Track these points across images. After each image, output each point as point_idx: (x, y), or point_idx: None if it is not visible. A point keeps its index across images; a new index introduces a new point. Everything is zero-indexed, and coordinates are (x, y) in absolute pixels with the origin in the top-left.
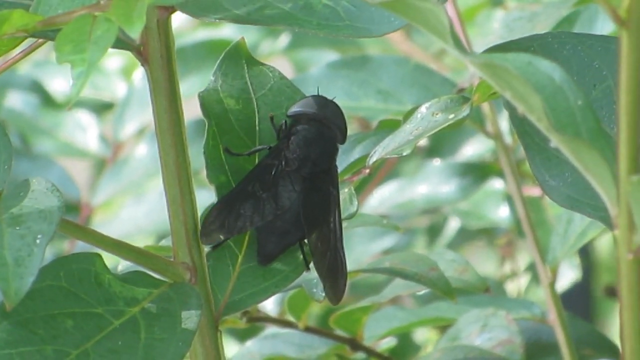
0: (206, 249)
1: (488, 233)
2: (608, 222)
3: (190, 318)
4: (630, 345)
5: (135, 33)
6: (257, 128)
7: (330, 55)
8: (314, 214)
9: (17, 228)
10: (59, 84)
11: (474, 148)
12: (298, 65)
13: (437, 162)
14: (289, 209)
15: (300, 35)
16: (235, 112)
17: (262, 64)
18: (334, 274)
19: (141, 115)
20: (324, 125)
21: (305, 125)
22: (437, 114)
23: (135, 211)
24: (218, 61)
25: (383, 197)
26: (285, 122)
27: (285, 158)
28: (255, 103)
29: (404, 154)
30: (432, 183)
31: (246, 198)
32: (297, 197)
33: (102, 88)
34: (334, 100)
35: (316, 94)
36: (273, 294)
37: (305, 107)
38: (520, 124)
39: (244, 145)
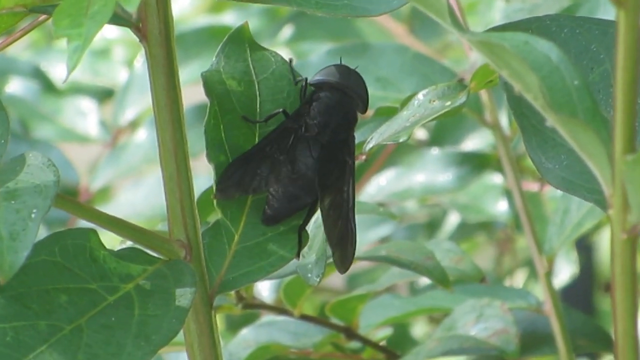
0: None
1: (487, 228)
2: (602, 205)
3: (184, 295)
4: (622, 325)
5: (132, 7)
6: (258, 110)
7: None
8: (329, 181)
9: (13, 202)
10: (60, 70)
11: (474, 142)
12: (300, 57)
13: (435, 151)
14: (303, 174)
15: (302, 28)
16: (237, 94)
17: (265, 49)
18: (344, 242)
19: (141, 101)
20: (345, 93)
21: (327, 93)
22: (434, 101)
23: (134, 195)
24: (221, 44)
25: (380, 185)
26: (304, 87)
27: (306, 123)
28: (257, 86)
29: (401, 140)
30: (429, 172)
31: (263, 159)
32: (313, 163)
33: (104, 74)
34: (357, 70)
35: (339, 63)
36: (268, 274)
37: (328, 76)
38: (517, 106)
39: (244, 126)
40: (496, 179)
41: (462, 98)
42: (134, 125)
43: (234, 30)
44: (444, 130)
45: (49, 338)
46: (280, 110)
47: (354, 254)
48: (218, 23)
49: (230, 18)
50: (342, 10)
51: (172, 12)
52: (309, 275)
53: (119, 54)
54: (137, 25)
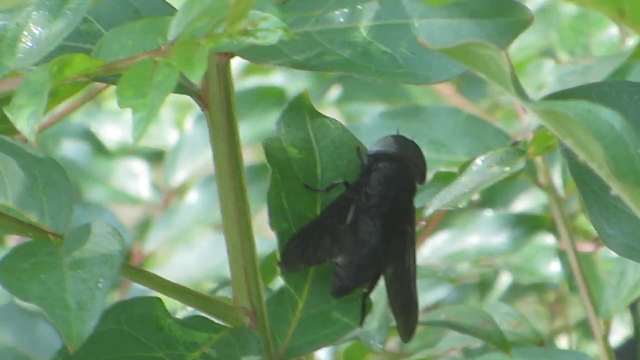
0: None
1: (538, 289)
2: None
3: None
4: None
5: (196, 78)
6: (319, 178)
7: (380, 108)
8: (391, 250)
9: (79, 271)
10: (110, 132)
11: (524, 202)
12: (349, 117)
13: (488, 213)
14: (366, 244)
15: (351, 88)
16: (297, 161)
17: (324, 116)
18: (407, 310)
19: (192, 163)
20: (404, 164)
21: (386, 164)
22: (492, 167)
23: (186, 258)
24: (282, 111)
25: (435, 247)
26: (361, 158)
27: (366, 194)
28: (317, 153)
29: (460, 206)
30: (483, 234)
31: (326, 230)
32: (375, 232)
33: (154, 136)
34: (414, 140)
35: (396, 134)
36: (332, 341)
37: (386, 147)
38: (578, 172)
39: (306, 193)
40: (548, 239)
41: (520, 164)
42: (185, 186)
43: (294, 98)
44: (495, 191)
45: None
46: (341, 181)
47: (417, 321)
48: (267, 84)
49: (278, 79)
50: (403, 77)
51: (232, 81)
52: (372, 341)
53: (168, 116)
54: (199, 94)
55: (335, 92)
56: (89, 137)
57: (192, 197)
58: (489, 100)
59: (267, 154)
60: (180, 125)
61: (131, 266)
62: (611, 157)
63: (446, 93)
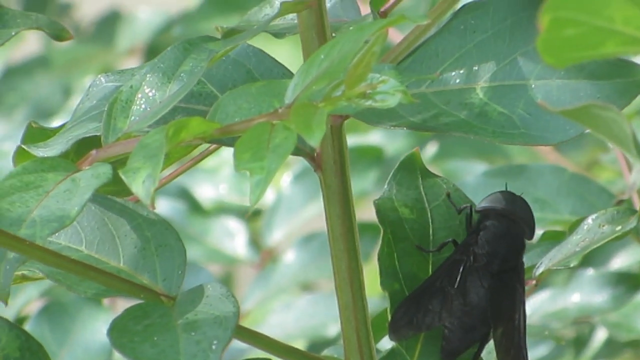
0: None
1: (634, 345)
2: None
3: None
4: None
5: (315, 141)
6: (431, 238)
7: (478, 166)
8: (500, 310)
9: (193, 333)
10: (206, 190)
11: (622, 259)
12: (446, 174)
13: (589, 271)
14: (475, 306)
15: (448, 145)
16: (409, 221)
17: (436, 176)
18: None
19: (289, 222)
20: (513, 221)
21: (494, 221)
22: (603, 226)
23: (284, 317)
24: (393, 171)
25: (535, 305)
26: (470, 215)
27: (474, 253)
28: (429, 213)
29: (571, 265)
30: (584, 292)
31: (434, 294)
32: (484, 293)
33: (249, 194)
34: (522, 196)
35: (504, 190)
36: None
37: (494, 203)
38: None
39: (418, 254)
40: None
41: (632, 222)
42: (282, 245)
43: (405, 157)
44: (592, 249)
45: None
46: (450, 240)
47: None
48: (365, 143)
49: (376, 137)
50: (520, 139)
51: (346, 142)
52: None
53: None
54: (312, 155)
55: (432, 149)
56: (185, 196)
57: (290, 256)
58: (586, 157)
59: (378, 214)
60: (276, 185)
61: (243, 327)
62: None
63: (544, 150)
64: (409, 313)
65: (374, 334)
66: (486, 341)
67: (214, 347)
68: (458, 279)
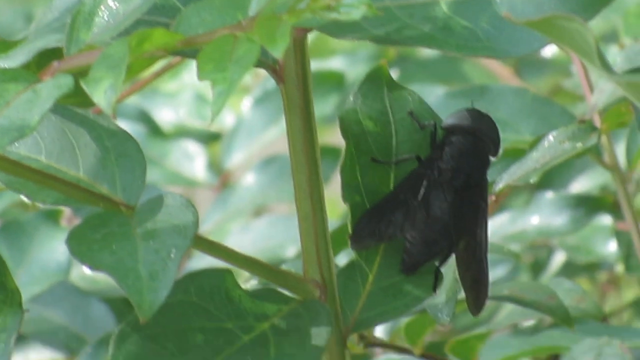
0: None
1: (590, 270)
2: None
3: (319, 335)
4: None
5: (278, 53)
6: (394, 151)
7: (440, 90)
8: (463, 225)
9: (151, 242)
10: (166, 114)
11: (582, 183)
12: None
13: (549, 194)
14: (438, 220)
15: (409, 71)
16: (373, 134)
17: (403, 88)
18: (478, 284)
19: (249, 145)
20: (478, 137)
21: (459, 137)
22: (564, 142)
23: (242, 239)
24: (359, 83)
25: (494, 227)
26: (435, 132)
27: (439, 168)
28: (393, 126)
29: (531, 181)
30: (544, 215)
31: (397, 206)
32: (447, 207)
33: (210, 118)
34: (488, 114)
35: (470, 107)
36: (402, 314)
37: (460, 120)
38: None
39: (381, 167)
40: (605, 220)
41: (593, 139)
42: (241, 168)
43: (372, 69)
44: (553, 173)
45: None
46: (414, 155)
47: (487, 295)
48: (325, 68)
49: (337, 63)
50: (483, 52)
51: (309, 55)
52: (440, 314)
53: None
54: (275, 68)
55: (393, 74)
56: (145, 119)
57: (248, 179)
58: (547, 83)
59: (342, 126)
60: (235, 109)
61: (203, 237)
62: None
63: (504, 76)
64: (372, 223)
65: (333, 248)
66: (448, 256)
67: (172, 255)
68: (422, 192)
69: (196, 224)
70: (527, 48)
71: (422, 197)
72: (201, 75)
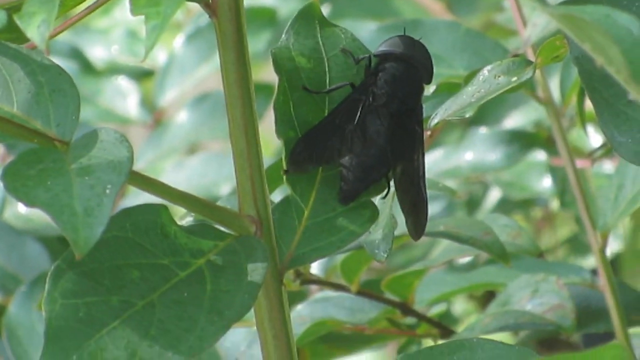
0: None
1: (525, 206)
2: None
3: (255, 270)
4: None
5: None
6: (327, 87)
7: (372, 25)
8: (400, 149)
9: (86, 178)
10: (98, 51)
11: (516, 119)
12: None
13: (482, 130)
14: (374, 144)
15: (340, 7)
16: (306, 71)
17: (335, 25)
18: (417, 209)
19: (182, 82)
20: (411, 64)
21: (392, 63)
22: (499, 77)
23: (176, 176)
24: (291, 20)
25: (429, 164)
26: (369, 62)
27: (373, 93)
28: (326, 63)
29: (467, 116)
30: (477, 151)
31: (334, 130)
32: (383, 132)
33: (141, 56)
34: (421, 40)
35: (403, 34)
36: (338, 249)
37: (393, 47)
38: (590, 80)
39: (314, 102)
40: (539, 155)
41: (528, 73)
42: (175, 106)
43: (304, 7)
44: (487, 109)
45: (121, 314)
46: (347, 83)
47: (426, 220)
48: (257, 4)
49: (270, 0)
50: None
51: None
52: (376, 250)
53: None
54: (207, 2)
55: (325, 11)
56: (77, 56)
57: (182, 116)
58: (480, 19)
59: (275, 63)
60: (168, 46)
61: (138, 173)
62: (629, 61)
63: (436, 10)
64: (309, 148)
65: (268, 185)
66: (387, 187)
67: (107, 191)
68: (357, 116)
69: (131, 159)
70: None
71: (358, 121)
72: (134, 10)
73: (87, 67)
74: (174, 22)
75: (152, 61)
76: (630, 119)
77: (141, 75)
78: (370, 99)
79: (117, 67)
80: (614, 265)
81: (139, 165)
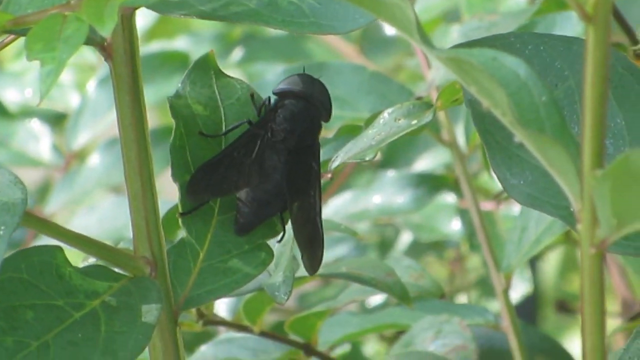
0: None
1: (438, 248)
2: (568, 220)
3: (150, 312)
4: (591, 341)
5: (106, 32)
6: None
7: (281, 67)
8: (296, 185)
9: None
10: (11, 94)
11: (426, 162)
12: (252, 78)
13: (391, 173)
14: (271, 179)
15: (253, 50)
16: (202, 117)
17: (230, 77)
18: (313, 244)
19: (94, 126)
20: (309, 101)
21: (291, 100)
22: (399, 120)
23: (87, 220)
24: (187, 70)
25: (337, 206)
26: (269, 98)
27: (272, 129)
28: (222, 110)
29: (367, 159)
30: (386, 193)
31: (232, 163)
32: (280, 167)
33: (56, 99)
34: (320, 79)
35: (302, 72)
36: (232, 290)
37: (292, 85)
38: (481, 123)
39: (210, 148)
40: (449, 198)
41: (428, 116)
42: (87, 149)
43: (200, 57)
44: (397, 151)
45: (15, 354)
46: (245, 120)
47: (322, 255)
48: (170, 48)
49: (182, 43)
50: (309, 28)
51: (137, 32)
52: (277, 293)
53: (70, 79)
54: (103, 45)
55: (238, 54)
56: None
57: (94, 160)
58: (392, 62)
59: (172, 109)
60: (82, 89)
61: (33, 215)
62: (515, 105)
63: (348, 53)
64: (207, 178)
65: (166, 229)
66: (284, 228)
67: (1, 232)
68: (255, 151)
69: (25, 201)
70: (353, 24)
71: (256, 156)
72: (30, 55)
73: (0, 109)
74: (88, 64)
75: (65, 104)
76: (522, 160)
77: (54, 118)
78: (269, 134)
79: (31, 110)
80: (531, 306)
81: (51, 208)
